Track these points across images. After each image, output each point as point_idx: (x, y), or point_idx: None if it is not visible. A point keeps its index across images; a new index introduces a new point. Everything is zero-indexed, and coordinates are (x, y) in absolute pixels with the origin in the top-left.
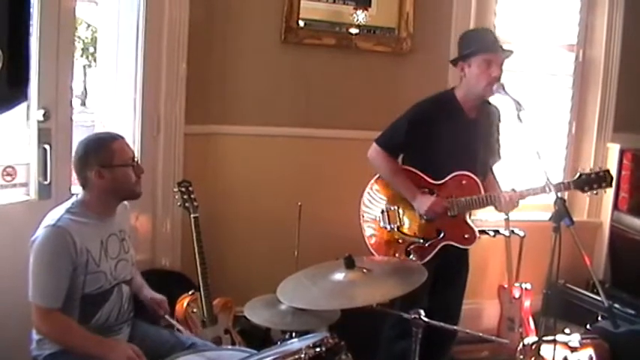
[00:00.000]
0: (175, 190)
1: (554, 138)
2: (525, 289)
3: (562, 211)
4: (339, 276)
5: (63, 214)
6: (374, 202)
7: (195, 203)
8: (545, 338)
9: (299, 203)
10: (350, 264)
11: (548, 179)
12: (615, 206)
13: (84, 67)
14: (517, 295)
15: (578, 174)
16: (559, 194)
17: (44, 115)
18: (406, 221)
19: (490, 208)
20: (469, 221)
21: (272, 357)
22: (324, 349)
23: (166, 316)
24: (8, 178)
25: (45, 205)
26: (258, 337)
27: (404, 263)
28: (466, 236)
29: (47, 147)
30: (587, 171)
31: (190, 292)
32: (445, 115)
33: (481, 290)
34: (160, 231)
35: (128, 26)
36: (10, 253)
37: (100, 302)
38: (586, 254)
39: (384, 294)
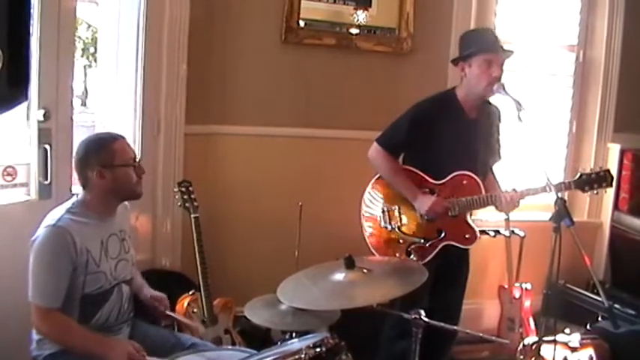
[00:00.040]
0: (175, 190)
1: (555, 138)
2: (525, 289)
3: (562, 212)
4: (340, 276)
5: (63, 214)
6: (374, 202)
7: (195, 203)
8: (545, 338)
9: (299, 203)
10: (350, 264)
11: (548, 179)
12: (615, 206)
13: (84, 67)
14: (517, 296)
15: (578, 174)
16: (559, 194)
17: (44, 115)
18: (407, 221)
19: (490, 209)
20: (470, 221)
21: (272, 357)
22: (324, 349)
23: (167, 312)
24: (9, 178)
25: (45, 205)
26: (258, 338)
27: (404, 263)
28: (467, 236)
29: (47, 147)
30: (588, 171)
31: (190, 292)
32: (446, 114)
33: (481, 290)
34: (160, 231)
35: (128, 26)
36: (10, 253)
37: (100, 302)
38: (586, 254)
39: (384, 294)
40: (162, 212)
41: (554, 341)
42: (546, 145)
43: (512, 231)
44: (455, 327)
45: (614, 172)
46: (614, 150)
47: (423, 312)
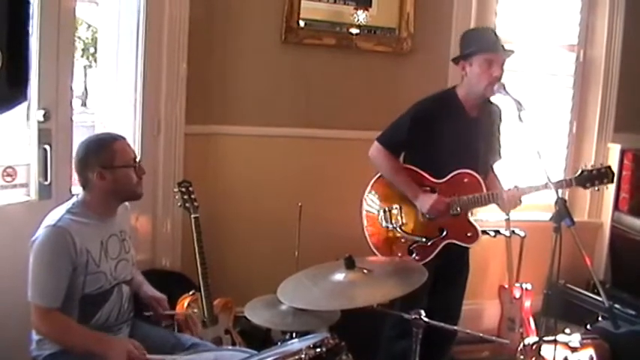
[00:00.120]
0: (176, 190)
1: (555, 138)
2: (526, 289)
3: (563, 212)
4: (340, 276)
5: (63, 214)
6: (375, 202)
7: (195, 203)
8: (545, 338)
9: (299, 203)
10: (350, 264)
11: (549, 179)
12: (616, 207)
13: (84, 67)
14: (518, 296)
15: (579, 170)
16: (560, 194)
17: (44, 115)
18: (408, 220)
19: (491, 209)
20: (471, 219)
21: (272, 357)
22: (324, 349)
23: (166, 312)
24: (8, 178)
25: (45, 205)
26: (258, 338)
27: (404, 264)
28: (469, 234)
29: (47, 147)
30: (589, 167)
31: (191, 293)
32: (447, 113)
33: (482, 290)
34: (160, 231)
35: (128, 27)
36: (10, 254)
37: (99, 302)
38: (586, 254)
39: (384, 294)
40: (162, 212)
41: (555, 341)
42: (547, 145)
43: (513, 231)
44: (455, 327)
45: None
46: (614, 150)
47: (423, 312)
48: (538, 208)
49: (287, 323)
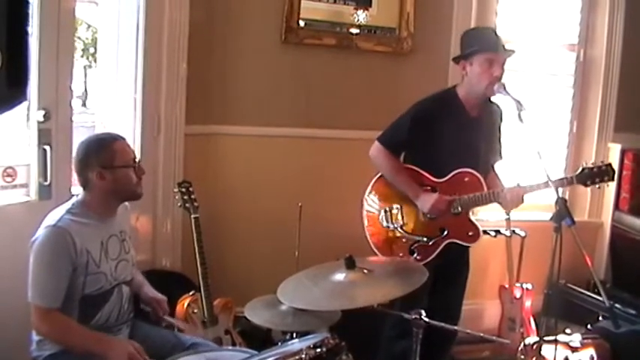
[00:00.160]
0: (176, 190)
1: (555, 138)
2: (526, 289)
3: (563, 211)
4: (340, 276)
5: (63, 214)
6: (376, 202)
7: (195, 204)
8: (546, 338)
9: (299, 203)
10: (350, 264)
11: (549, 178)
12: (616, 206)
13: (84, 67)
14: (518, 295)
15: (580, 168)
16: (560, 193)
17: (44, 115)
18: (409, 220)
19: (491, 208)
20: (472, 218)
21: (273, 357)
22: (324, 349)
23: (166, 317)
24: (8, 179)
25: (45, 205)
26: (258, 338)
27: (404, 264)
28: (470, 234)
29: (47, 148)
30: (590, 165)
31: (191, 293)
32: (447, 112)
33: (482, 290)
34: (160, 231)
35: (128, 27)
36: (10, 254)
37: (99, 303)
38: (587, 254)
39: (384, 294)
40: (162, 213)
41: (555, 341)
42: (547, 144)
43: (513, 231)
44: (455, 327)
45: None
46: (614, 150)
47: (423, 312)
48: (538, 208)
49: (287, 323)
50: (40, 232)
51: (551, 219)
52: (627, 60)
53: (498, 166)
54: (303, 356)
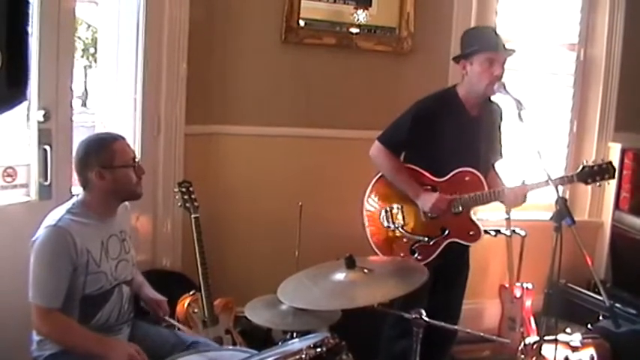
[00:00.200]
0: (176, 190)
1: (556, 137)
2: (526, 288)
3: (563, 211)
4: (340, 276)
5: (63, 214)
6: (377, 202)
7: (195, 203)
8: (546, 338)
9: (300, 203)
10: (351, 264)
11: (549, 177)
12: (616, 206)
13: (84, 67)
14: (518, 295)
15: (581, 166)
16: (560, 193)
17: (44, 115)
18: (410, 220)
19: (492, 208)
20: (474, 218)
21: (273, 357)
22: (324, 349)
23: (166, 317)
24: (9, 179)
25: (45, 205)
26: (259, 338)
27: (405, 263)
28: (471, 233)
29: (47, 148)
30: (590, 163)
31: (191, 293)
32: (447, 111)
33: (482, 290)
34: (160, 231)
35: (128, 27)
36: (10, 254)
37: (100, 303)
38: (587, 254)
39: (384, 294)
40: (162, 212)
41: (556, 341)
42: (547, 144)
43: (514, 230)
44: (456, 326)
45: None
46: (615, 149)
47: (423, 312)
48: (539, 207)
49: (287, 323)
50: (41, 232)
51: (551, 218)
52: (627, 59)
53: (499, 166)
54: (304, 356)
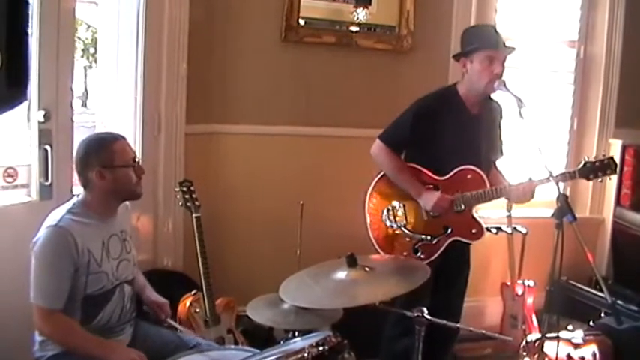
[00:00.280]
0: (177, 189)
1: (556, 134)
2: (528, 286)
3: (564, 208)
4: (342, 274)
5: (64, 214)
6: (378, 201)
7: (196, 203)
8: (548, 335)
9: (301, 202)
10: (352, 262)
11: (550, 174)
12: (617, 202)
13: (85, 67)
14: (520, 292)
15: (582, 162)
16: (561, 190)
17: (45, 116)
18: (412, 219)
19: (492, 206)
20: (476, 216)
21: (275, 356)
22: (326, 347)
23: (168, 320)
24: (9, 179)
25: (46, 206)
26: (261, 337)
27: (406, 261)
28: (473, 231)
29: (48, 148)
30: (591, 159)
31: (193, 292)
32: (448, 109)
33: (484, 287)
34: (161, 231)
35: (128, 27)
36: (11, 255)
37: (102, 303)
38: (588, 251)
39: (386, 292)
40: (163, 212)
41: (557, 338)
42: (548, 141)
43: (515, 228)
44: (458, 324)
45: None
46: (615, 146)
47: (425, 309)
48: (540, 204)
49: (289, 322)
50: (42, 233)
51: (552, 216)
52: (627, 56)
53: (500, 163)
54: (306, 354)
